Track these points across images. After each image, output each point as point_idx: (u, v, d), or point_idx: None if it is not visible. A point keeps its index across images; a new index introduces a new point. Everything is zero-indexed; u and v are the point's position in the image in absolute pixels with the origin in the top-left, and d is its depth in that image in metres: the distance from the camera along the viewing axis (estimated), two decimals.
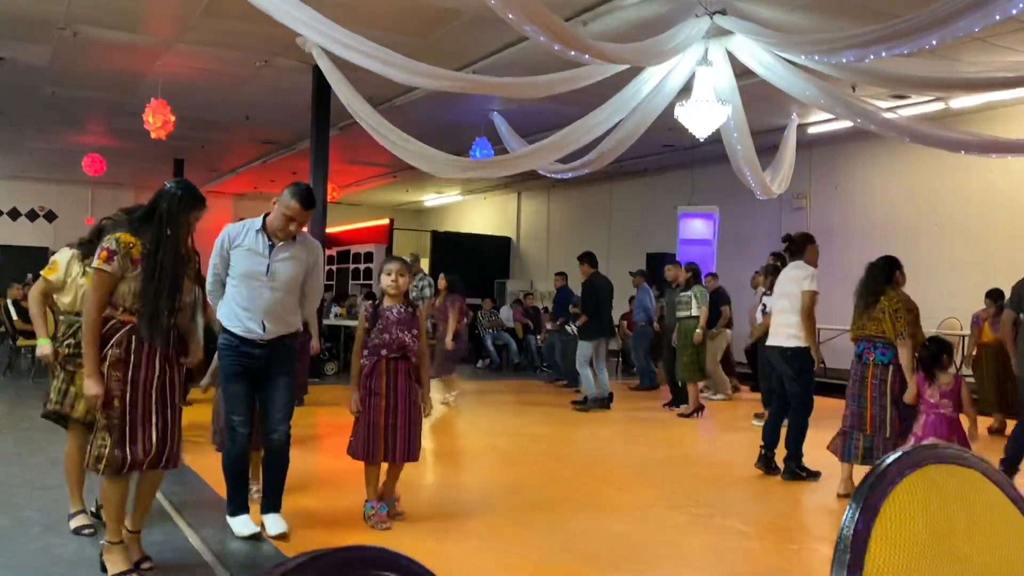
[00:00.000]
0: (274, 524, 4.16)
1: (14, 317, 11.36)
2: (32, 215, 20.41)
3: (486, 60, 9.17)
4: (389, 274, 4.54)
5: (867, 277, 5.66)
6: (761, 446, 6.34)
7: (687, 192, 15.07)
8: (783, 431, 6.26)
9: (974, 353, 9.13)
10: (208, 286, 4.19)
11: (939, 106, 10.41)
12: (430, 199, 22.29)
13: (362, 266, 19.23)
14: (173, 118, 10.11)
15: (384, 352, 4.41)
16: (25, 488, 5.18)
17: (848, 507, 1.02)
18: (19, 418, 7.87)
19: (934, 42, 5.83)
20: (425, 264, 14.69)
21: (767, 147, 10.77)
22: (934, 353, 5.16)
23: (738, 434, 8.30)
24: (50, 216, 20.47)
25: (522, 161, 9.95)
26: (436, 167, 9.30)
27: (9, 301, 11.67)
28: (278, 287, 4.12)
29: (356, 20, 7.41)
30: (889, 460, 1.06)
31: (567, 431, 8.28)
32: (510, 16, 5.86)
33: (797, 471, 6.06)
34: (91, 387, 3.41)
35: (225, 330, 4.12)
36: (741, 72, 8.24)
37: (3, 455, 6.18)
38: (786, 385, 6.29)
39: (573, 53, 6.71)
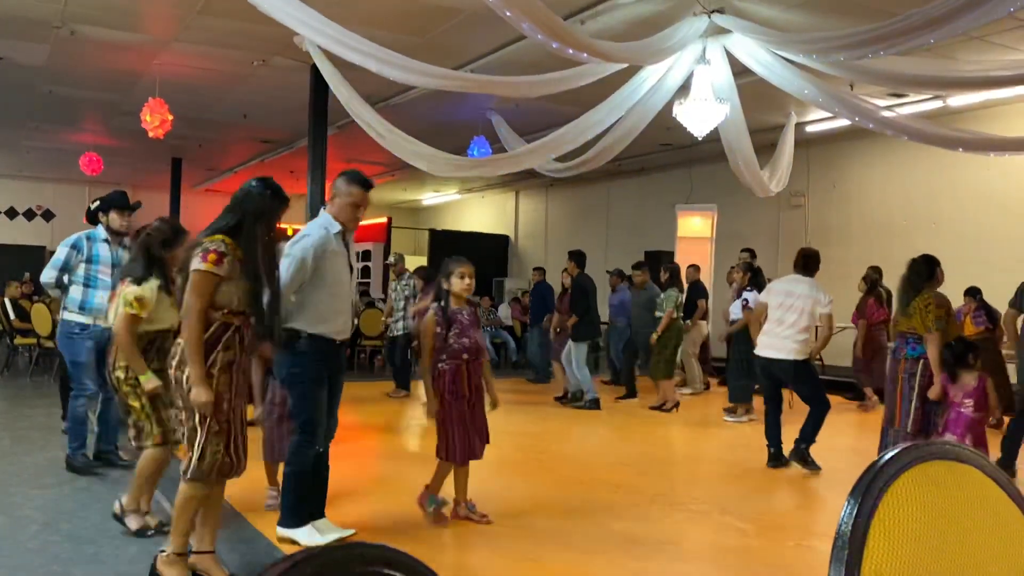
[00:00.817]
0: (335, 528, 4.17)
1: (11, 316, 11.34)
2: (30, 214, 20.37)
3: (484, 59, 9.16)
4: (462, 277, 4.47)
5: (909, 274, 5.72)
6: (768, 446, 6.41)
7: (685, 190, 15.07)
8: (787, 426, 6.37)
9: None
10: (289, 291, 3.97)
11: (937, 104, 10.41)
12: (428, 197, 22.27)
13: (359, 264, 19.21)
14: (171, 117, 10.09)
15: (465, 356, 4.45)
16: (23, 487, 5.18)
17: (846, 503, 1.02)
18: (16, 417, 7.85)
19: (932, 40, 5.83)
20: (419, 262, 14.69)
21: (765, 145, 10.77)
22: (958, 354, 5.22)
23: (733, 431, 8.31)
24: (47, 215, 20.43)
25: (520, 160, 9.94)
26: (434, 166, 9.29)
27: (7, 300, 11.66)
28: (353, 282, 4.27)
29: (354, 19, 7.40)
30: (887, 456, 1.06)
31: (565, 429, 8.28)
32: (508, 14, 5.85)
33: (805, 454, 6.18)
34: (201, 394, 3.29)
35: (312, 336, 4.00)
36: (739, 70, 8.24)
37: (1, 454, 6.17)
38: (796, 392, 6.45)
39: (571, 52, 6.70)
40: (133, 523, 4.20)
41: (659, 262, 11.37)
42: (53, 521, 4.41)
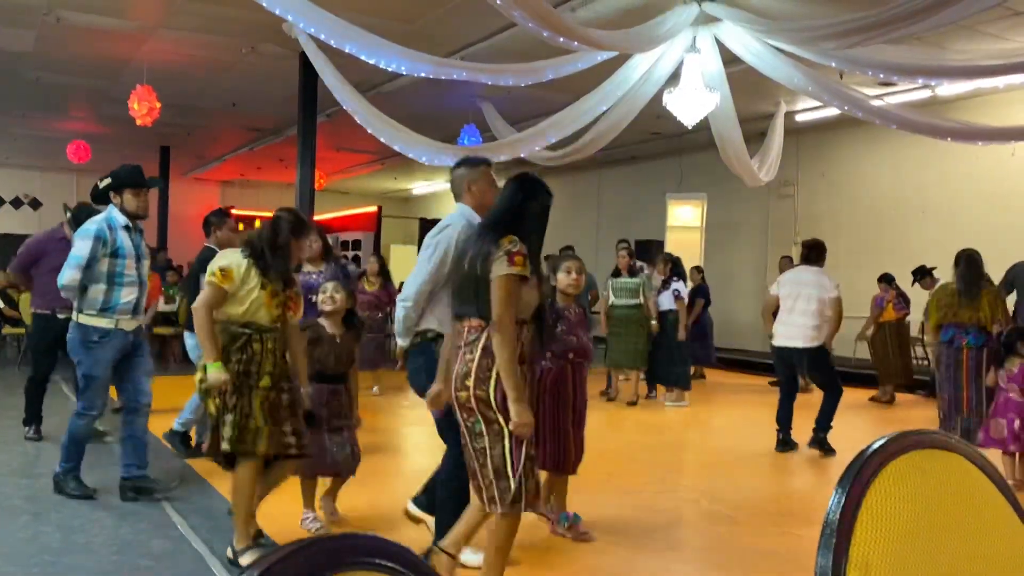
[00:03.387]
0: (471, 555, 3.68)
1: (0, 305, 11.27)
2: (17, 202, 20.22)
3: (474, 47, 9.13)
4: (568, 272, 4.30)
5: (968, 267, 6.07)
6: (778, 431, 6.64)
7: (675, 179, 15.07)
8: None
9: (872, 331, 9.88)
10: (427, 286, 3.62)
11: (926, 94, 10.43)
12: (418, 186, 22.21)
13: (350, 253, 19.17)
14: (159, 105, 10.02)
15: (571, 356, 4.22)
16: (12, 476, 5.16)
17: (834, 492, 1.03)
18: (5, 406, 7.81)
19: (921, 29, 5.85)
20: (411, 252, 14.67)
21: (755, 134, 10.78)
22: (1008, 342, 5.57)
23: (723, 419, 8.36)
24: (35, 204, 20.29)
25: (510, 148, 9.92)
26: (424, 154, 9.26)
27: None
28: None
29: (342, 6, 7.36)
30: (875, 445, 1.07)
31: None
32: (499, 2, 5.83)
33: (823, 441, 6.44)
34: (523, 414, 2.88)
35: (435, 337, 3.66)
36: (729, 59, 8.24)
37: None
38: (812, 379, 6.83)
39: (562, 40, 6.69)
40: (246, 560, 3.57)
41: (649, 251, 11.32)
42: (43, 511, 4.40)
